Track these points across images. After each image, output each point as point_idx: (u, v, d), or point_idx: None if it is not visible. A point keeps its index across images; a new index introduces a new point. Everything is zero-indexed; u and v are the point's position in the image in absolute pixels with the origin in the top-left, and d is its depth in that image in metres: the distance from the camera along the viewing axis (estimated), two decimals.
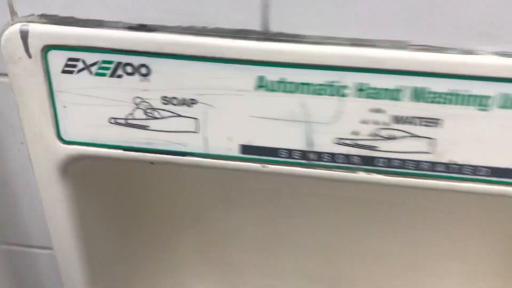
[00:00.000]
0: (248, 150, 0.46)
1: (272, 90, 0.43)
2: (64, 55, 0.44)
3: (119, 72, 0.44)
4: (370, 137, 0.44)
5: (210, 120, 0.45)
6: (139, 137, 0.47)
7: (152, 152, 0.48)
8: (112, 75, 0.44)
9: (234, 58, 0.42)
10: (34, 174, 0.52)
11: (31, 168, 0.52)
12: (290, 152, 0.46)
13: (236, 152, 0.47)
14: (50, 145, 0.49)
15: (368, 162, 0.45)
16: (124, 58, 0.44)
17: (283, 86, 0.43)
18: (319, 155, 0.46)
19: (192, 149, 0.47)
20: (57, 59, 0.44)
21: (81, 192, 0.55)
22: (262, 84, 0.43)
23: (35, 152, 0.50)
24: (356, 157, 0.45)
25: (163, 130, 0.46)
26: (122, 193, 0.62)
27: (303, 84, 0.42)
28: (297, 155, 0.46)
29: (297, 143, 0.45)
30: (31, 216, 0.58)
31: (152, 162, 0.49)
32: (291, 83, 0.43)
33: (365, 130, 0.44)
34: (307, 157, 0.46)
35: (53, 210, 0.54)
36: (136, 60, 0.43)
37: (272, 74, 0.42)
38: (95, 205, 0.58)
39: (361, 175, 0.46)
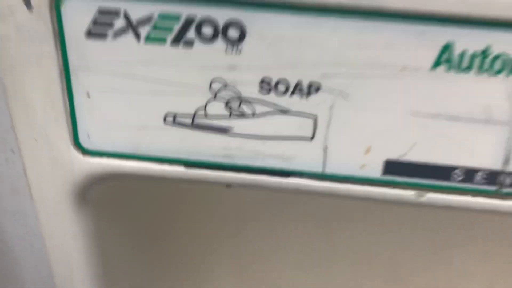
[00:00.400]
0: (396, 169, 0.28)
1: (466, 69, 0.24)
2: (91, 5, 0.25)
3: (190, 35, 0.25)
4: None
5: (337, 118, 0.27)
6: (213, 146, 0.28)
7: (232, 169, 0.29)
8: (176, 42, 0.25)
9: (401, 9, 0.23)
10: (33, 199, 0.33)
11: (28, 189, 0.32)
12: (470, 174, 0.27)
13: (375, 172, 0.28)
14: (61, 157, 0.30)
15: None
16: (199, 11, 0.24)
17: (484, 63, 0.24)
18: None
19: (301, 165, 0.28)
20: (78, 13, 0.25)
21: (102, 223, 0.36)
22: (448, 59, 0.24)
23: (35, 166, 0.31)
24: None
25: (255, 135, 0.28)
26: (152, 219, 0.43)
27: None
28: (483, 178, 0.27)
29: (486, 160, 0.27)
30: (25, 261, 0.39)
31: (229, 185, 0.30)
32: (499, 57, 0.24)
33: None
34: (499, 181, 0.27)
35: (63, 250, 0.35)
36: (221, 15, 0.24)
37: (470, 41, 0.24)
38: (120, 239, 0.39)
39: None
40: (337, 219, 0.51)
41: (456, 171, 0.28)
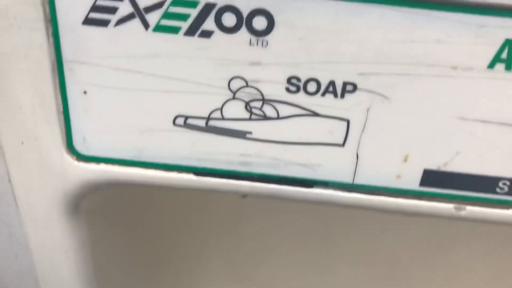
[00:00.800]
0: (435, 179, 0.25)
1: None
2: None
3: (208, 25, 0.21)
4: None
5: (374, 122, 0.23)
6: (229, 152, 0.25)
7: (250, 178, 0.25)
8: (191, 32, 0.21)
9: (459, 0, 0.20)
10: (18, 208, 0.29)
11: (13, 198, 0.28)
12: None
13: (411, 183, 0.25)
14: (52, 163, 0.26)
15: None
16: None
17: None
18: None
19: (328, 174, 0.25)
20: None
21: (97, 234, 0.32)
22: (507, 58, 0.21)
23: (21, 172, 0.27)
24: None
25: (277, 140, 0.24)
26: (152, 229, 0.39)
27: None
28: None
29: None
30: (9, 274, 0.35)
31: (244, 196, 0.26)
32: None
33: None
34: None
35: (52, 264, 0.31)
36: (245, 1, 0.21)
37: None
38: (116, 252, 0.35)
39: None
40: (335, 217, 0.48)
41: (502, 182, 0.25)
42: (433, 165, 0.24)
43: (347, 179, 0.25)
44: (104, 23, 0.22)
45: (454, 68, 0.22)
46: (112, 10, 0.21)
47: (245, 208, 0.44)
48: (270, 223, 0.47)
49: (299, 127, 0.24)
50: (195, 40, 0.22)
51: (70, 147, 0.25)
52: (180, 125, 0.24)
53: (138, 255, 0.39)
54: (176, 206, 0.40)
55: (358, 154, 0.24)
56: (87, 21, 0.22)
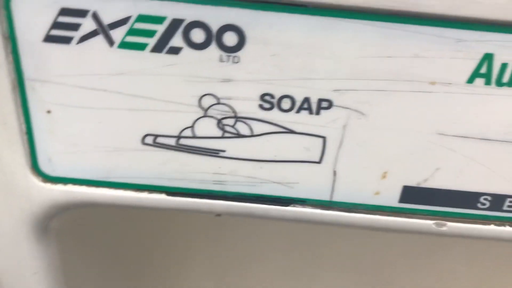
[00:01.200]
0: (414, 196, 0.24)
1: (504, 84, 0.21)
2: (51, 4, 0.20)
3: (175, 41, 0.20)
4: None
5: (351, 139, 0.22)
6: (202, 171, 0.24)
7: (225, 197, 0.24)
8: (158, 48, 0.20)
9: (438, 14, 0.19)
10: None
11: None
12: (499, 201, 0.24)
13: (390, 200, 0.24)
14: (16, 184, 0.24)
15: None
16: (188, 12, 0.20)
17: None
18: None
19: (305, 192, 0.24)
20: (34, 13, 0.20)
21: (68, 254, 0.31)
22: (486, 72, 0.20)
23: None
24: None
25: (252, 158, 0.23)
26: (124, 246, 0.38)
27: None
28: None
29: None
30: None
31: (218, 215, 0.26)
32: None
33: None
34: None
35: (21, 286, 0.30)
36: (214, 16, 0.20)
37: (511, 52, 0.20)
38: (88, 272, 0.34)
39: None
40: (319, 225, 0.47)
41: (483, 198, 0.24)
42: (412, 182, 0.24)
43: (324, 196, 0.24)
44: (66, 40, 0.21)
45: (433, 83, 0.21)
46: (75, 27, 0.20)
47: (222, 222, 0.43)
48: (251, 233, 0.46)
49: (274, 144, 0.23)
50: (163, 56, 0.21)
51: (36, 168, 0.24)
52: (149, 144, 0.23)
53: (113, 274, 0.38)
54: (150, 223, 0.39)
55: (336, 171, 0.24)
56: (48, 38, 0.21)
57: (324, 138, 0.23)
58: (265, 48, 0.21)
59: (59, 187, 0.25)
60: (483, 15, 0.19)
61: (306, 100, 0.22)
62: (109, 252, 0.37)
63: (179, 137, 0.23)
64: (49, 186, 0.25)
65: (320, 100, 0.22)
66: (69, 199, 0.25)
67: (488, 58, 0.20)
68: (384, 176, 0.24)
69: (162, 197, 0.25)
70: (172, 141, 0.23)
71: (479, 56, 0.20)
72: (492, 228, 0.25)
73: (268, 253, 0.49)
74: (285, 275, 0.51)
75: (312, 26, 0.20)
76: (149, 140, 0.23)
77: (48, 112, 0.22)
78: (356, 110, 0.22)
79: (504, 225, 0.25)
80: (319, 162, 0.23)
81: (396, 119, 0.22)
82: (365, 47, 0.20)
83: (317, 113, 0.22)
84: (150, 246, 0.41)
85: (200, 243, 0.43)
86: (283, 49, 0.21)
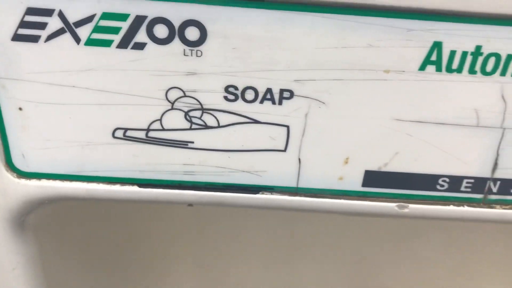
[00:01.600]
0: (376, 180, 0.25)
1: (453, 70, 0.22)
2: (18, 3, 0.21)
3: (140, 37, 0.21)
4: None
5: (313, 127, 0.23)
6: (173, 162, 0.24)
7: (194, 187, 0.25)
8: (123, 44, 0.21)
9: (388, 5, 0.20)
10: None
11: None
12: (457, 182, 0.25)
13: (354, 184, 0.25)
14: None
15: None
16: (150, 8, 0.20)
17: (477, 63, 0.22)
18: (506, 185, 0.25)
19: (272, 180, 0.25)
20: (1, 12, 0.21)
21: (47, 248, 0.31)
22: (436, 59, 0.21)
23: None
24: None
25: (220, 148, 0.24)
26: (105, 239, 0.39)
27: None
28: (469, 186, 0.25)
29: (474, 167, 0.24)
30: None
31: (190, 205, 0.26)
32: (493, 56, 0.21)
33: None
34: (486, 189, 0.25)
35: (1, 284, 0.31)
36: (176, 12, 0.21)
37: (461, 39, 0.21)
38: (67, 266, 0.35)
39: None
40: (299, 216, 0.48)
41: (441, 180, 0.25)
42: (373, 166, 0.25)
43: (291, 183, 0.25)
44: (34, 38, 0.21)
45: (387, 71, 0.22)
46: (42, 26, 0.21)
47: (201, 214, 0.44)
48: (231, 225, 0.47)
49: (240, 134, 0.24)
50: (128, 52, 0.22)
51: (10, 164, 0.25)
52: (119, 138, 0.24)
53: (92, 268, 0.39)
54: (126, 215, 0.39)
55: (300, 159, 0.25)
56: (17, 37, 0.21)
57: (287, 127, 0.24)
58: (227, 42, 0.21)
59: (34, 182, 0.25)
60: (431, 5, 0.21)
61: (269, 91, 0.23)
62: (88, 246, 0.37)
63: (148, 130, 0.24)
64: (23, 181, 0.25)
65: (282, 91, 0.23)
66: (44, 194, 0.26)
67: (437, 46, 0.21)
68: (346, 161, 0.25)
69: (134, 189, 0.26)
70: (141, 134, 0.24)
71: (429, 44, 0.21)
72: (451, 209, 0.26)
73: (248, 245, 0.50)
74: (266, 266, 0.52)
75: (270, 19, 0.21)
76: (119, 133, 0.24)
77: (20, 109, 0.23)
78: (316, 99, 0.23)
79: (463, 205, 0.26)
80: (284, 151, 0.24)
81: (355, 106, 0.23)
82: (322, 38, 0.21)
83: (280, 103, 0.23)
84: (127, 238, 0.42)
85: (178, 233, 0.43)
86: (244, 43, 0.21)
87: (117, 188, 0.25)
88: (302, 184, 0.25)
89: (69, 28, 0.21)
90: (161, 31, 0.21)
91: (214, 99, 0.23)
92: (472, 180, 0.25)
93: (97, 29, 0.21)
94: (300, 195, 0.26)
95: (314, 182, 0.25)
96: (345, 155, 0.25)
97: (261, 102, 0.23)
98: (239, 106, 0.23)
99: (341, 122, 0.24)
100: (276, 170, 0.25)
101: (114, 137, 0.24)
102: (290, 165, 0.25)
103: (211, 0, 0.21)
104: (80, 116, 0.23)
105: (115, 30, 0.21)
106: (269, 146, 0.24)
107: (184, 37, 0.21)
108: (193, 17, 0.21)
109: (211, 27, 0.21)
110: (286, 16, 0.21)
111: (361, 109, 0.23)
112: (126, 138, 0.24)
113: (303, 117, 0.23)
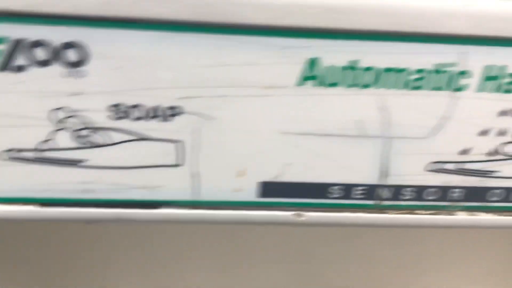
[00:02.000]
0: (272, 190, 0.26)
1: (331, 85, 0.23)
2: None
3: (20, 60, 0.21)
4: (488, 158, 0.26)
5: (206, 142, 0.24)
6: (69, 181, 0.25)
7: (94, 205, 0.26)
8: (4, 67, 0.21)
9: (263, 24, 0.21)
10: None
11: None
12: (348, 189, 0.26)
13: (250, 195, 0.26)
14: None
15: (477, 197, 0.27)
16: (28, 31, 0.21)
17: (354, 76, 0.23)
18: (398, 191, 0.26)
19: (170, 195, 0.26)
20: None
21: None
22: (313, 74, 0.23)
23: None
24: (458, 190, 0.27)
25: (114, 166, 0.24)
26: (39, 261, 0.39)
27: (389, 70, 0.23)
28: (361, 193, 0.26)
29: (363, 174, 0.26)
30: None
31: (88, 222, 0.27)
32: (368, 69, 0.23)
33: (483, 147, 0.25)
34: (377, 195, 0.26)
35: None
36: (57, 34, 0.21)
37: (337, 55, 0.22)
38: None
39: (461, 218, 0.27)
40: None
41: (333, 187, 0.26)
42: (267, 177, 0.26)
43: (188, 197, 0.26)
44: None
45: (267, 87, 0.23)
46: None
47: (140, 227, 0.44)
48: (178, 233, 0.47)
49: (133, 151, 0.24)
50: (9, 75, 0.22)
51: None
52: (12, 158, 0.24)
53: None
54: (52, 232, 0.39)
55: (196, 172, 0.25)
56: None
57: (179, 142, 0.24)
58: (110, 62, 0.22)
59: None
60: (305, 23, 0.22)
61: (156, 108, 0.23)
62: (20, 266, 0.37)
63: (38, 150, 0.24)
64: None
65: (170, 108, 0.23)
66: None
67: (313, 62, 0.22)
68: (241, 174, 0.25)
69: (35, 209, 0.26)
70: (32, 155, 0.24)
71: (305, 60, 0.22)
72: (346, 215, 0.27)
73: (193, 252, 0.50)
74: (212, 272, 0.52)
75: (150, 39, 0.22)
76: (11, 154, 0.24)
77: None
78: (205, 115, 0.24)
79: (356, 212, 0.27)
80: (179, 165, 0.25)
81: (243, 121, 0.24)
82: (199, 57, 0.22)
83: (169, 119, 0.24)
84: (57, 256, 0.41)
85: (103, 247, 0.43)
86: (127, 62, 0.22)
87: (17, 208, 0.25)
88: (199, 197, 0.26)
89: None
90: (40, 53, 0.21)
91: (101, 117, 0.23)
92: (363, 187, 0.26)
93: None
94: (199, 208, 0.26)
95: (212, 195, 0.26)
96: (240, 167, 0.25)
97: (150, 119, 0.23)
98: (127, 123, 0.23)
99: (233, 136, 0.24)
100: (172, 185, 0.26)
101: (6, 158, 0.24)
102: (186, 180, 0.25)
103: (90, 22, 0.21)
104: None
105: None
106: (163, 162, 0.25)
107: (66, 58, 0.21)
108: (73, 39, 0.21)
109: (93, 48, 0.21)
110: (164, 36, 0.22)
111: (250, 123, 0.24)
112: (17, 159, 0.24)
113: (196, 132, 0.24)
